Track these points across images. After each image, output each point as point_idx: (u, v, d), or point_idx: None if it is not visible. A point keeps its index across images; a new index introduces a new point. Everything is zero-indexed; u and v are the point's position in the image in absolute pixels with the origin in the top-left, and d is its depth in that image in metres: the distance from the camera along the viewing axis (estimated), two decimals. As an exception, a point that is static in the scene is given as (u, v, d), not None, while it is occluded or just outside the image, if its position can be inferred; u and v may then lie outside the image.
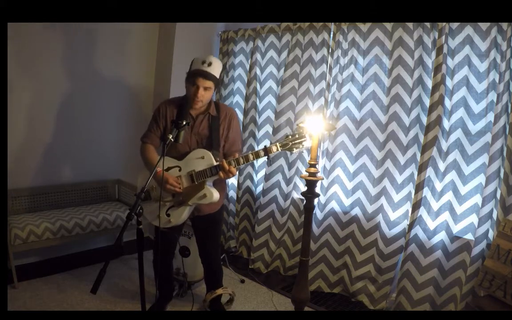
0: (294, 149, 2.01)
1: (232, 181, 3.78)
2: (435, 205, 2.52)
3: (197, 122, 2.22)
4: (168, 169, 2.15)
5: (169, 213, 2.17)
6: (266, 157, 2.06)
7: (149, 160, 2.23)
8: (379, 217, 2.77)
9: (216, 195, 2.13)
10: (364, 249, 2.85)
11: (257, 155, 2.06)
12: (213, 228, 2.41)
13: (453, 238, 2.44)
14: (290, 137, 2.02)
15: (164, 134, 2.28)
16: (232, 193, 3.77)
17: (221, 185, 2.31)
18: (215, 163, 2.08)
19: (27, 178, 3.04)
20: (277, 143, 2.02)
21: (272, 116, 3.39)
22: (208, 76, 2.09)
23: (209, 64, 2.10)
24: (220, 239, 3.02)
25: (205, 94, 2.13)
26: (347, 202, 2.97)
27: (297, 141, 2.00)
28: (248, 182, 3.55)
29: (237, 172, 2.29)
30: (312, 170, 2.15)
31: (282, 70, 3.32)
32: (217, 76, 2.14)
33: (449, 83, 2.45)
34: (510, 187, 2.16)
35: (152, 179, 2.11)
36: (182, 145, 2.20)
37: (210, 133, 2.21)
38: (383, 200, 2.76)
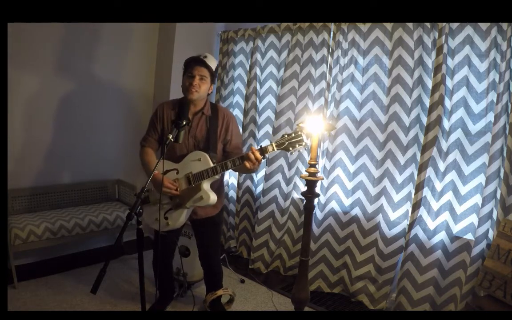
0: (291, 148, 1.98)
1: (232, 181, 3.78)
2: (435, 205, 2.52)
3: (193, 123, 2.21)
4: (166, 172, 2.15)
5: (167, 216, 2.17)
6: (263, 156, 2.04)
7: (147, 164, 2.24)
8: (379, 217, 2.77)
9: (213, 197, 2.12)
10: (364, 249, 2.85)
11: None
12: (213, 230, 2.41)
13: (453, 238, 2.45)
14: (286, 136, 2.00)
15: (162, 137, 2.27)
16: (232, 193, 3.77)
17: (219, 189, 2.31)
18: (211, 165, 2.08)
19: (27, 178, 3.04)
20: (273, 143, 2.01)
21: (272, 116, 3.39)
22: (203, 64, 2.13)
23: (204, 57, 2.16)
24: (220, 241, 3.02)
25: (201, 84, 2.13)
26: (347, 202, 2.97)
27: (293, 140, 1.97)
28: (248, 182, 3.55)
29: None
30: (312, 170, 2.15)
31: (282, 70, 3.32)
32: (213, 68, 2.18)
33: (449, 83, 2.45)
34: (510, 187, 2.16)
35: (150, 182, 2.11)
36: (180, 148, 2.20)
37: (207, 134, 2.21)
38: (383, 200, 2.76)
